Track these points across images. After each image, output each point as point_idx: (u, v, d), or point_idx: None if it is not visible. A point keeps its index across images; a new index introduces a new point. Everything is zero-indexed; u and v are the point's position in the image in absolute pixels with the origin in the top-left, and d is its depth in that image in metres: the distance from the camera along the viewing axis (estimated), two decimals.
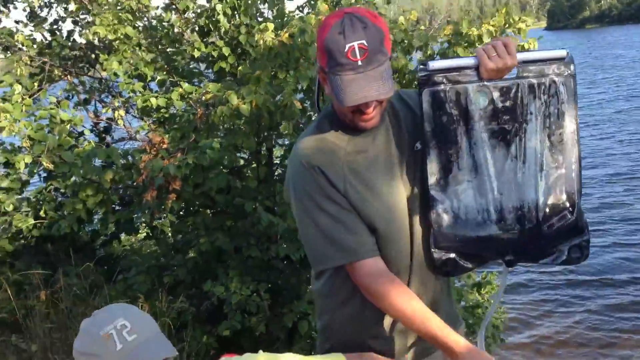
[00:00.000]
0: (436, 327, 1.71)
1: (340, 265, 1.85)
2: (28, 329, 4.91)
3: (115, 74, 4.32)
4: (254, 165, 4.80)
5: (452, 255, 1.88)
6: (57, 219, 5.93)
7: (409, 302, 1.76)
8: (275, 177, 4.80)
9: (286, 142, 4.81)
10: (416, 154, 1.87)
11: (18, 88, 4.08)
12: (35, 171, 4.65)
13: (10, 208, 6.09)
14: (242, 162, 4.91)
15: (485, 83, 1.81)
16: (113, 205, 4.83)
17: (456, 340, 1.67)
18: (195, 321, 4.71)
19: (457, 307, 2.19)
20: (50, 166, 4.00)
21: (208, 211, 4.77)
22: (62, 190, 6.13)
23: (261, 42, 3.62)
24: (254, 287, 4.33)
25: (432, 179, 1.85)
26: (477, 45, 4.33)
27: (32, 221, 5.94)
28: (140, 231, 6.66)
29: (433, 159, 1.84)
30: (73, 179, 4.34)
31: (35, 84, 4.68)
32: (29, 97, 4.37)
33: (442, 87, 1.81)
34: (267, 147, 4.79)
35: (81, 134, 5.14)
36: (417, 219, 1.88)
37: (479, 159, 1.85)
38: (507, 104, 1.83)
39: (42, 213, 5.95)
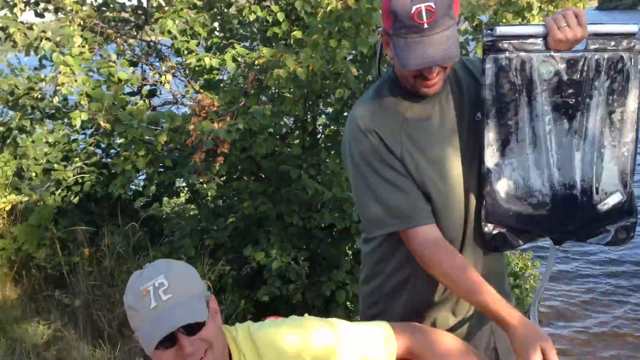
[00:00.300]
0: (490, 298, 1.68)
1: (394, 231, 1.84)
2: (72, 285, 5.04)
3: (169, 32, 4.32)
4: (298, 132, 4.79)
5: (502, 230, 1.85)
6: (102, 176, 6.05)
7: (463, 272, 1.74)
8: (320, 146, 4.79)
9: (330, 111, 4.78)
10: (476, 124, 1.83)
11: (78, 40, 4.11)
12: (90, 127, 4.71)
13: (55, 162, 6.22)
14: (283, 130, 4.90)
15: (552, 54, 1.76)
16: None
17: (510, 312, 1.64)
18: (235, 285, 4.77)
19: (508, 284, 2.15)
20: (107, 125, 4.05)
21: (252, 177, 4.80)
22: (104, 147, 6.23)
23: (325, 3, 3.56)
24: (294, 255, 4.34)
25: (488, 150, 1.81)
26: (525, 13, 4.22)
27: (70, 174, 6.05)
28: (181, 195, 6.75)
29: (491, 129, 1.80)
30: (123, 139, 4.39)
31: (87, 45, 4.72)
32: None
33: (507, 54, 1.76)
34: (312, 115, 4.78)
35: (132, 94, 5.19)
36: (472, 191, 1.86)
37: (539, 132, 1.81)
38: (573, 76, 1.78)
39: (77, 162, 6.04)
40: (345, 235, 4.74)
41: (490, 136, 1.81)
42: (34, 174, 6.41)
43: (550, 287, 7.86)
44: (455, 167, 1.83)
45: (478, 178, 1.85)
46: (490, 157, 1.81)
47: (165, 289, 1.42)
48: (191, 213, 6.10)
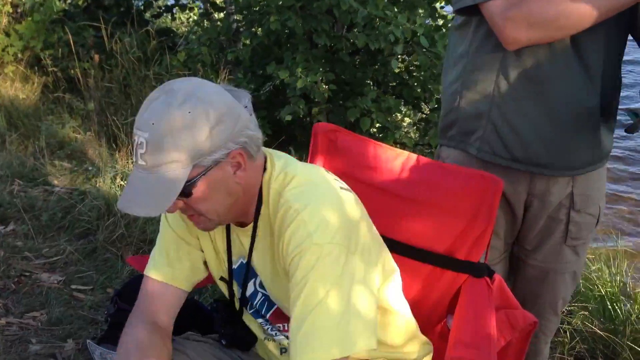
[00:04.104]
0: None
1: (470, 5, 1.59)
2: (84, 89, 4.86)
3: None
4: None
5: None
6: None
7: None
8: None
9: None
10: None
11: None
12: None
13: None
14: None
15: None
16: None
17: None
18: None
19: None
20: None
21: None
22: None
23: None
24: (321, 76, 4.16)
25: None
26: None
27: None
28: (195, 10, 6.42)
29: None
30: None
31: None
32: None
33: None
34: None
35: None
36: None
37: None
38: None
39: None
40: (373, 61, 4.54)
41: None
42: None
43: None
44: None
45: None
46: None
47: (143, 153, 1.23)
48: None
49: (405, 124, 5.40)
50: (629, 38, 1.69)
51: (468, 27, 1.74)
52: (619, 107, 1.78)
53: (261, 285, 1.48)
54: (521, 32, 1.54)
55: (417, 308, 1.63)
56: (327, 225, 1.28)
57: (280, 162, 1.40)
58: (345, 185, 1.42)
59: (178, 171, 1.23)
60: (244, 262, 1.47)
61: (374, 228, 1.45)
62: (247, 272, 1.47)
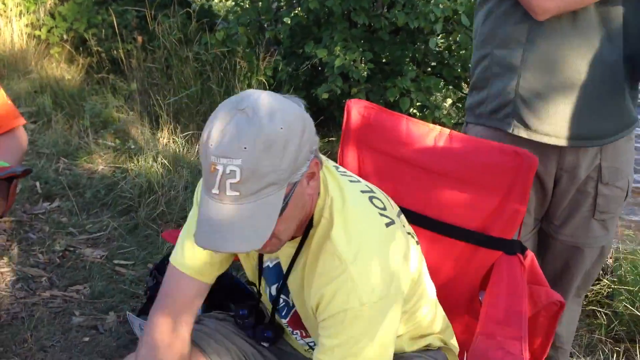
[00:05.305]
0: None
1: None
2: (127, 69, 4.94)
3: None
4: None
5: None
6: None
7: None
8: None
9: None
10: None
11: None
12: None
13: None
14: None
15: None
16: None
17: None
18: (290, 84, 4.62)
19: None
20: None
21: None
22: None
23: None
24: (359, 55, 4.13)
25: None
26: None
27: None
28: None
29: None
30: None
31: None
32: None
33: None
34: None
35: None
36: None
37: None
38: None
39: None
40: (412, 40, 4.49)
41: None
42: None
43: None
44: None
45: None
46: None
47: (235, 183, 1.10)
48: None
49: (447, 105, 5.34)
50: None
51: (491, 2, 1.74)
52: None
53: (286, 293, 1.45)
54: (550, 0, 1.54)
55: (449, 285, 1.63)
56: (373, 282, 1.23)
57: (335, 192, 1.30)
58: (390, 213, 1.35)
59: (275, 193, 1.14)
60: (279, 264, 1.42)
61: (411, 237, 1.41)
62: (281, 286, 1.43)
